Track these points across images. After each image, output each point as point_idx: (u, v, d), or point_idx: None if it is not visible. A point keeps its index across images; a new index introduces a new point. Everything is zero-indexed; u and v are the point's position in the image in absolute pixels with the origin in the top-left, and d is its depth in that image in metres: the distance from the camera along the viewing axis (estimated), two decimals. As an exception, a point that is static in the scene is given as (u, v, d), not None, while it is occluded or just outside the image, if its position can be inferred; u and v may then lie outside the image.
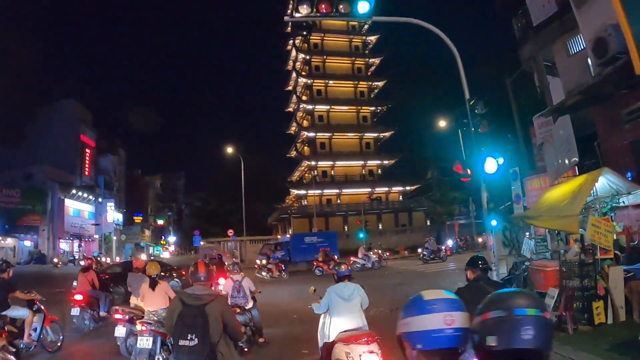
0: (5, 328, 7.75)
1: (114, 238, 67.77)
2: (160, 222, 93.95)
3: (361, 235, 40.66)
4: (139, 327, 6.94)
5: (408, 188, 62.06)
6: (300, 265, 31.72)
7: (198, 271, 4.24)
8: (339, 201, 59.34)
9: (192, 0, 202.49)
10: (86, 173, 65.76)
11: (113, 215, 68.77)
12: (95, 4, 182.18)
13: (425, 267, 28.31)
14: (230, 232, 41.67)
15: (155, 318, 7.18)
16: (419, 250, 33.35)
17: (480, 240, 36.53)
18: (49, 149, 57.40)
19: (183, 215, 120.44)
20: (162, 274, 8.54)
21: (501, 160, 9.83)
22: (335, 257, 26.48)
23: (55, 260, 43.66)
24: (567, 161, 12.51)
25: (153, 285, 7.50)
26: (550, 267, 9.90)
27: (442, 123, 29.53)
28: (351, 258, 28.11)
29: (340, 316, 5.62)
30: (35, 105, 60.33)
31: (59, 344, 9.10)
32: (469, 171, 10.24)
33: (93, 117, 71.13)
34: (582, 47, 12.60)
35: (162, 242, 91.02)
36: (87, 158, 66.17)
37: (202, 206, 53.47)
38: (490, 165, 9.75)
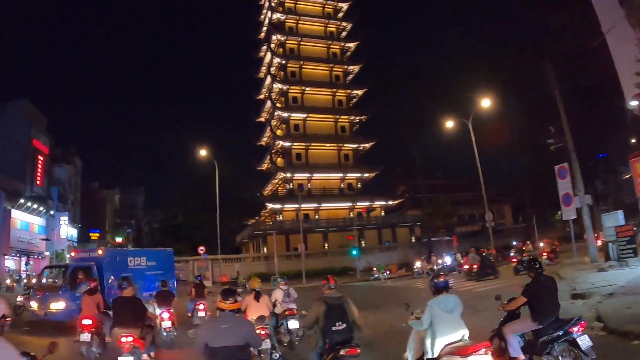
0: None
1: (68, 256, 61.38)
2: (118, 239, 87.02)
3: (354, 252, 37.34)
4: (258, 331, 7.55)
5: (391, 202, 58.90)
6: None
7: (330, 282, 6.48)
8: (317, 216, 55.42)
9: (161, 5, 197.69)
10: (38, 182, 59.37)
11: (67, 230, 62.48)
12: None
13: (474, 284, 23.41)
14: (202, 249, 36.65)
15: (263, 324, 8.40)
16: (465, 266, 28.62)
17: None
18: (-5, 152, 51.37)
19: (142, 233, 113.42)
20: None
21: None
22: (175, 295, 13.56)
23: (8, 281, 37.31)
24: None
25: (257, 297, 8.88)
26: None
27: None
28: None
29: (445, 329, 5.49)
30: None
31: None
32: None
33: (48, 121, 65.04)
34: None
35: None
36: (39, 165, 59.83)
37: (166, 219, 47.20)
38: None
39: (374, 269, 35.47)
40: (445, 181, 63.28)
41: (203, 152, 36.37)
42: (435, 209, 50.86)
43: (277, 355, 8.42)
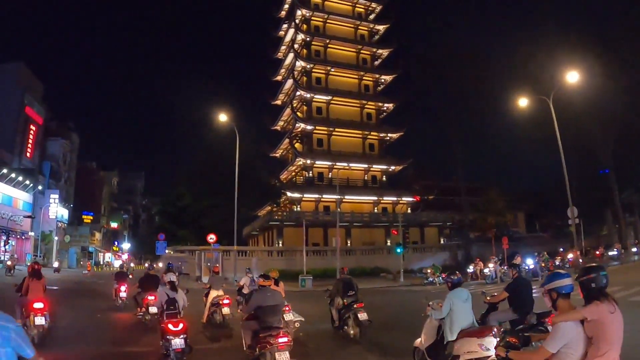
0: None
1: (56, 238, 55.28)
2: (114, 224, 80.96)
3: (398, 250, 31.53)
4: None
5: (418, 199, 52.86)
6: None
7: (344, 270, 13.31)
8: (338, 209, 49.14)
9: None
10: (28, 154, 53.44)
11: (57, 209, 56.45)
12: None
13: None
14: (212, 238, 30.29)
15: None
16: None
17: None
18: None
19: (139, 220, 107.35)
20: None
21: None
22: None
23: (9, 263, 31.55)
24: None
25: (277, 283, 11.22)
26: None
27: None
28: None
29: (460, 316, 6.46)
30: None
31: None
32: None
33: (45, 90, 59.14)
34: None
35: (114, 248, 78.18)
36: (30, 136, 53.92)
37: (169, 200, 39.46)
38: None
39: (429, 270, 29.48)
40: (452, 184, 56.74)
41: (223, 117, 29.96)
42: (487, 205, 44.71)
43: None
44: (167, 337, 7.77)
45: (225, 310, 12.33)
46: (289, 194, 46.03)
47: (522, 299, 7.56)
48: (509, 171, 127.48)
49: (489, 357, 5.74)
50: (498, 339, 5.73)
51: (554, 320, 3.85)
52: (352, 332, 10.65)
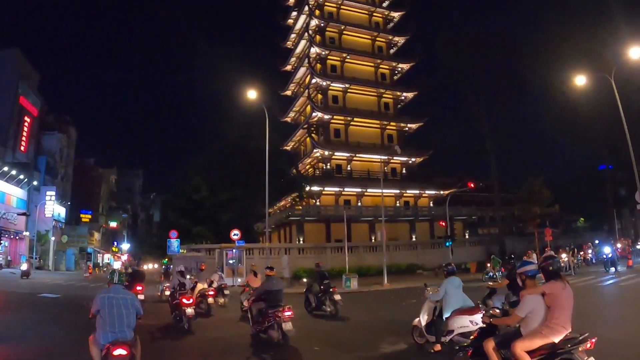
0: None
1: (52, 238, 51.41)
2: (113, 224, 77.01)
3: (448, 243, 28.54)
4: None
5: (442, 192, 49.59)
6: None
7: (320, 265, 15.67)
8: (359, 203, 45.87)
9: None
10: (22, 148, 49.63)
11: (53, 208, 52.69)
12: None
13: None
14: (236, 233, 26.51)
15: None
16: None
17: None
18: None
19: (138, 220, 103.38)
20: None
21: None
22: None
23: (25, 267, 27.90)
24: None
25: (255, 274, 14.50)
26: None
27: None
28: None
29: (454, 299, 8.01)
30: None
31: None
32: None
33: (41, 80, 55.35)
34: None
35: (114, 248, 74.30)
36: (25, 128, 50.09)
37: (182, 193, 34.61)
38: None
39: (488, 265, 26.28)
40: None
41: (252, 94, 26.02)
42: (529, 194, 41.53)
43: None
44: (182, 308, 11.38)
45: (210, 300, 14.98)
46: (307, 187, 42.51)
47: (518, 284, 8.54)
48: (507, 170, 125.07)
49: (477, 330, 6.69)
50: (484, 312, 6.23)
51: (522, 293, 5.23)
52: (329, 309, 13.57)
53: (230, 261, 26.68)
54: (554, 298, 4.92)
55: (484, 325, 5.68)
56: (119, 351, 5.19)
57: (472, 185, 34.28)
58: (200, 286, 15.19)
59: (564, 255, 26.67)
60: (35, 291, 21.79)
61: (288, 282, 27.33)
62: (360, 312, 14.49)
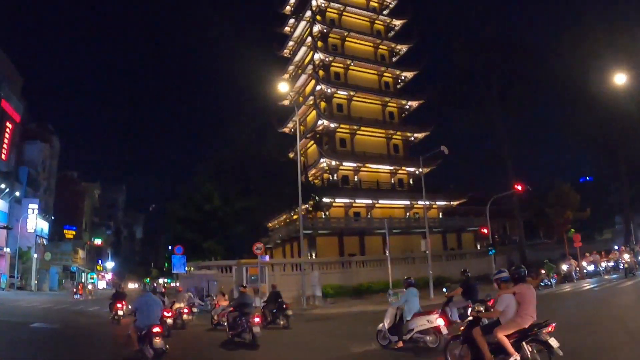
0: None
1: (35, 256, 47.50)
2: (97, 241, 72.87)
3: (491, 252, 26.74)
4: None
5: (453, 203, 47.58)
6: None
7: (274, 286, 18.04)
8: (369, 215, 43.47)
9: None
10: (2, 156, 45.94)
11: (36, 222, 48.97)
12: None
13: None
14: (259, 248, 23.67)
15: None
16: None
17: None
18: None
19: (121, 237, 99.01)
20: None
21: None
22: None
23: None
24: None
25: (223, 295, 18.04)
26: None
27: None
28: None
29: (413, 305, 10.48)
30: None
31: None
32: None
33: (24, 83, 51.91)
34: None
35: (98, 267, 70.10)
36: (6, 134, 46.43)
37: (190, 203, 30.52)
38: None
39: (543, 271, 24.31)
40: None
41: (284, 87, 23.56)
42: (558, 199, 39.85)
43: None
44: (163, 319, 12.41)
45: (185, 317, 17.11)
46: (317, 198, 39.96)
47: (473, 292, 12.05)
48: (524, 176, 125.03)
49: (432, 327, 9.81)
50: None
51: (499, 293, 6.91)
52: (282, 322, 15.96)
53: (252, 278, 23.66)
54: (522, 296, 6.63)
55: (471, 318, 7.13)
56: (157, 329, 8.75)
57: (518, 188, 32.28)
58: (176, 305, 17.26)
59: (626, 256, 27.21)
60: (25, 319, 18.58)
61: (321, 301, 24.68)
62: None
